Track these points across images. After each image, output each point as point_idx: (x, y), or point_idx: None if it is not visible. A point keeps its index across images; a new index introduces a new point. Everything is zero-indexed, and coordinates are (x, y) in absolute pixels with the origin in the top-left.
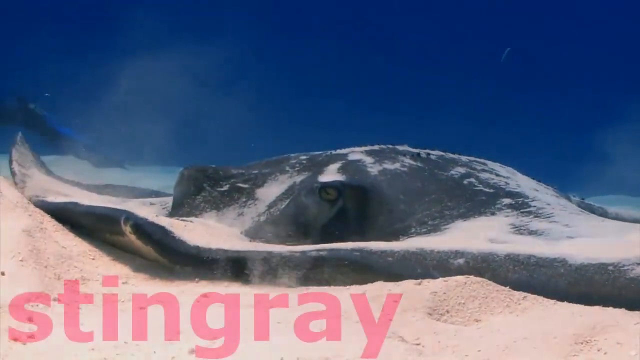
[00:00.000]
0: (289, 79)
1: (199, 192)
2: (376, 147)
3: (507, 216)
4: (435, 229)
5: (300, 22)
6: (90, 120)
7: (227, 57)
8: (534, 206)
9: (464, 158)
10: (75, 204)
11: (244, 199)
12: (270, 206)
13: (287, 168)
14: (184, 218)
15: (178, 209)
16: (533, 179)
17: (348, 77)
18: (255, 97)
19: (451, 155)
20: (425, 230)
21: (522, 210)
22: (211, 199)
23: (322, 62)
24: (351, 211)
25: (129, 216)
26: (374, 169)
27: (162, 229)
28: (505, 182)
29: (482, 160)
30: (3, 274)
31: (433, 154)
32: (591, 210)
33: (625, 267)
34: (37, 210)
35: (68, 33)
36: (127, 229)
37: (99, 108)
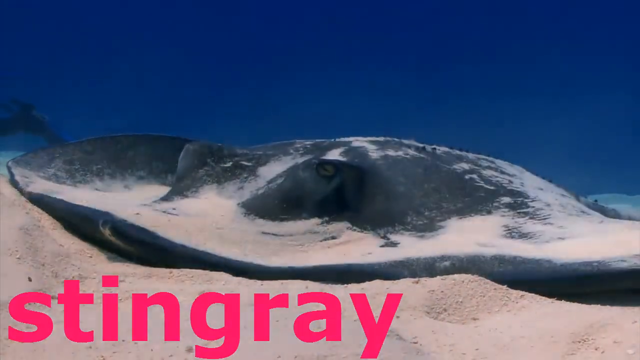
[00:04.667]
0: None
1: (202, 166)
2: (381, 138)
3: (503, 216)
4: (430, 223)
5: None
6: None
7: None
8: (532, 207)
9: (471, 155)
10: (60, 201)
11: (246, 175)
12: (269, 182)
13: (291, 151)
14: (169, 209)
15: (180, 182)
16: (544, 178)
17: None
18: None
19: (458, 152)
20: (420, 223)
21: (519, 211)
22: (213, 174)
23: None
24: (348, 189)
25: (107, 219)
26: (375, 154)
27: (142, 229)
28: (509, 180)
29: (490, 159)
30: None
31: (439, 149)
32: (603, 212)
33: (610, 262)
34: (35, 208)
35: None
36: (106, 232)
37: None
